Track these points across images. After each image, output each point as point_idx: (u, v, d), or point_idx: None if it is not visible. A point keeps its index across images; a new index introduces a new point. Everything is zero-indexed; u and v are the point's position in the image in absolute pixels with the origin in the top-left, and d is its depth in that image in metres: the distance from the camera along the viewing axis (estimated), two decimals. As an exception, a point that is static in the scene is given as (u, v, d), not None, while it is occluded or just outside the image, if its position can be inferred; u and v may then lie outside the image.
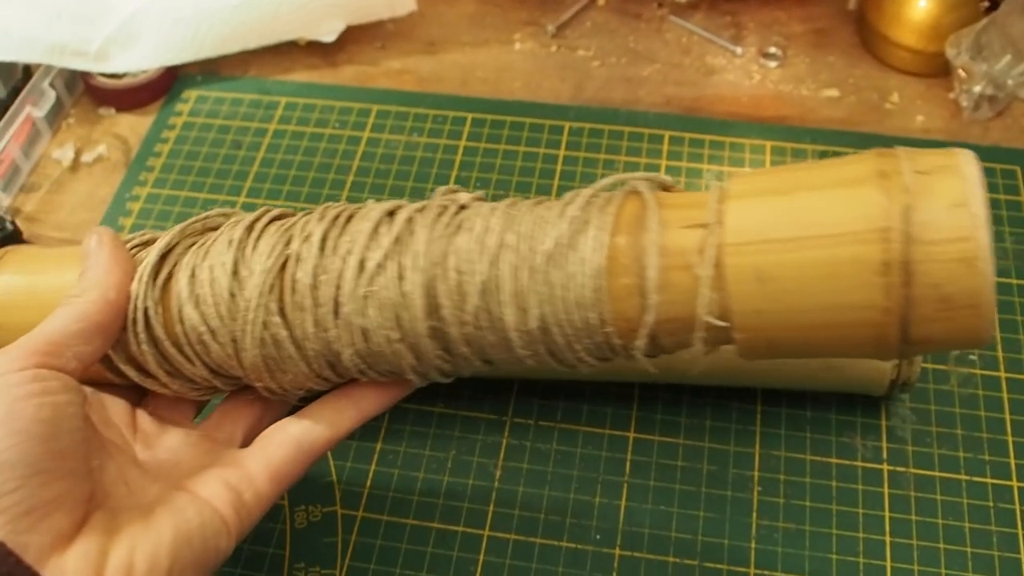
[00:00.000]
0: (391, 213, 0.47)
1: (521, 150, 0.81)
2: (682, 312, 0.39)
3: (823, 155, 0.79)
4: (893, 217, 0.36)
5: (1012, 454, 0.64)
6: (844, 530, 0.61)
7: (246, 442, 0.51)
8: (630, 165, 0.79)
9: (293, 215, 0.50)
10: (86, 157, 0.83)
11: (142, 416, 0.50)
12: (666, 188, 0.46)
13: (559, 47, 0.89)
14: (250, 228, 0.48)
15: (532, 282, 0.42)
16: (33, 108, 0.82)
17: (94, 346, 0.45)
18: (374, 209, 0.47)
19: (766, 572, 0.60)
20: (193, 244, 0.50)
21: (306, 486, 0.63)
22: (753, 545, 0.61)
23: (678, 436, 0.65)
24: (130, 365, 0.49)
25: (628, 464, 0.64)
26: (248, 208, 0.78)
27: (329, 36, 0.87)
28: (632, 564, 0.60)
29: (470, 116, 0.83)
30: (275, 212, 0.50)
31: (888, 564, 0.60)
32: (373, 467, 0.64)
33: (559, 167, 0.79)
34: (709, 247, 0.38)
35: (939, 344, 0.38)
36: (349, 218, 0.47)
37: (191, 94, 0.87)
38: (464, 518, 0.62)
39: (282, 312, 0.45)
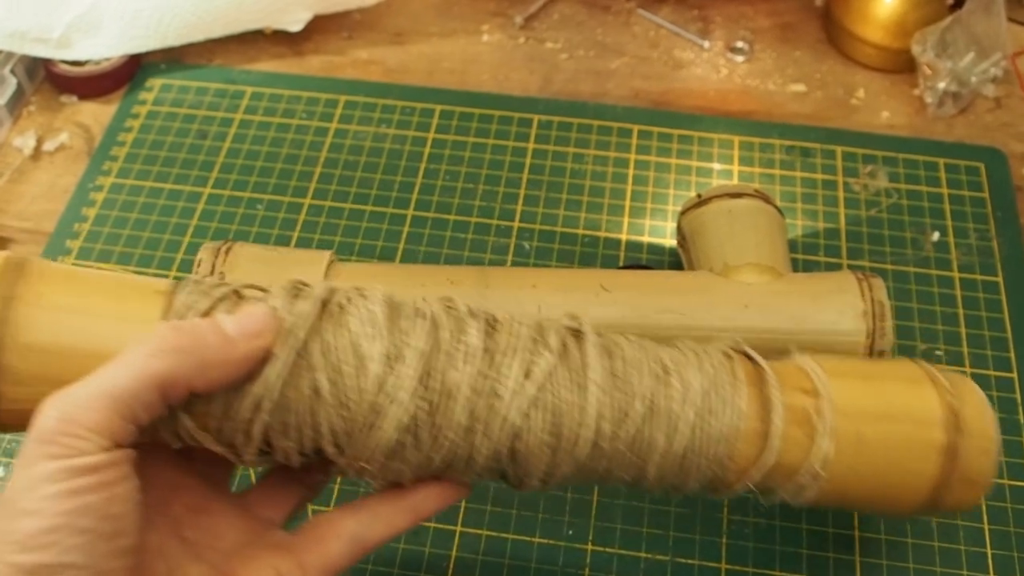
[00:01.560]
0: (541, 327, 0.46)
1: (490, 143, 0.80)
2: (792, 460, 0.46)
3: (790, 150, 0.80)
4: (950, 413, 0.46)
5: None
6: (814, 525, 0.62)
7: (283, 523, 0.47)
8: (599, 159, 0.79)
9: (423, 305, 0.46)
10: (48, 145, 0.82)
11: (183, 467, 0.45)
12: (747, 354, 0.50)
13: (527, 39, 0.89)
14: (394, 307, 0.44)
15: (684, 414, 0.45)
16: (-7, 95, 0.81)
17: (178, 402, 0.40)
18: (524, 319, 0.46)
19: (737, 567, 0.60)
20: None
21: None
22: (724, 540, 0.61)
23: (649, 431, 0.65)
24: (207, 434, 0.43)
25: (599, 459, 0.64)
26: (215, 199, 0.77)
27: (296, 25, 0.86)
28: (604, 560, 0.60)
29: (439, 108, 0.83)
30: (400, 297, 0.46)
31: (857, 559, 0.60)
32: (344, 462, 0.64)
33: (528, 160, 0.79)
34: (827, 410, 0.46)
35: (945, 508, 0.48)
36: (495, 320, 0.46)
37: (155, 82, 0.86)
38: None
39: (429, 399, 0.42)
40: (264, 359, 0.41)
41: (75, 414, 0.36)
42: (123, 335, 0.41)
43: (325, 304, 0.43)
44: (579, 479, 0.46)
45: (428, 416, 0.42)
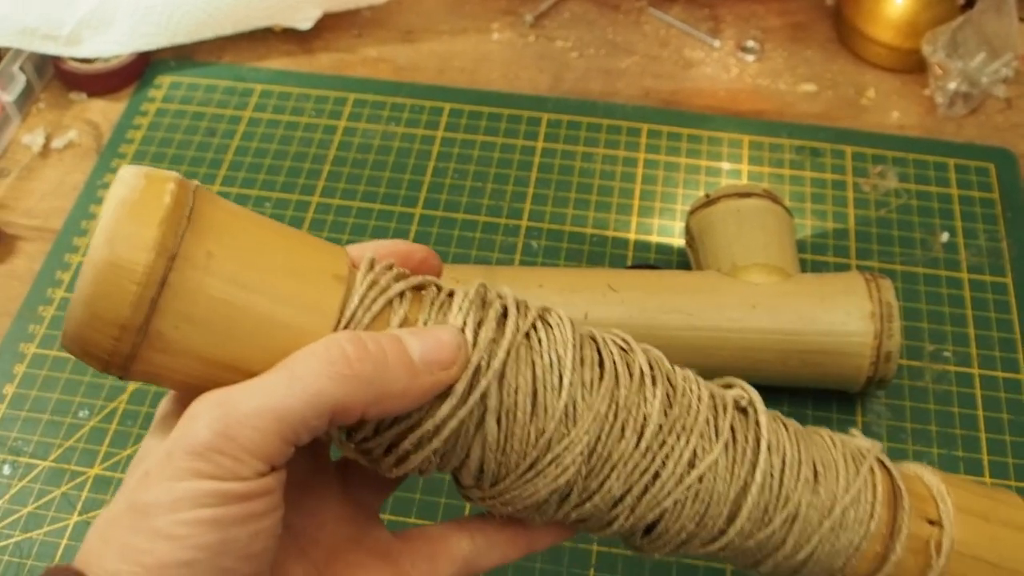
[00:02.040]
0: (716, 406, 0.44)
1: (499, 141, 0.80)
2: None
3: (800, 150, 0.79)
4: None
5: (985, 451, 0.64)
6: (820, 526, 0.61)
7: (379, 505, 0.45)
8: (608, 158, 0.79)
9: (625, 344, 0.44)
10: (57, 143, 0.82)
11: (334, 493, 0.42)
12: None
13: (537, 37, 0.89)
14: (576, 347, 0.41)
15: (820, 526, 0.44)
16: (2, 92, 0.81)
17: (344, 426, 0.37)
18: (701, 391, 0.44)
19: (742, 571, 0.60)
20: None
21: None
22: (730, 541, 0.61)
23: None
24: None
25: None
26: (223, 197, 0.77)
27: (305, 23, 0.86)
28: (609, 560, 0.60)
29: (448, 106, 0.83)
30: (609, 339, 0.43)
31: (863, 560, 0.60)
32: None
33: (537, 159, 0.79)
34: (946, 547, 0.45)
35: None
36: (671, 386, 0.43)
37: (164, 80, 0.86)
38: (441, 513, 0.62)
39: (591, 463, 0.40)
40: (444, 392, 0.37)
41: (236, 431, 0.32)
42: (299, 330, 0.36)
43: (515, 330, 0.39)
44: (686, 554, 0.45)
45: (583, 480, 0.40)
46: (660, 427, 0.41)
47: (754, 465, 0.42)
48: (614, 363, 0.41)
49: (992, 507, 0.47)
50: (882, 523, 0.45)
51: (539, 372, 0.39)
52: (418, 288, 0.40)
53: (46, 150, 0.82)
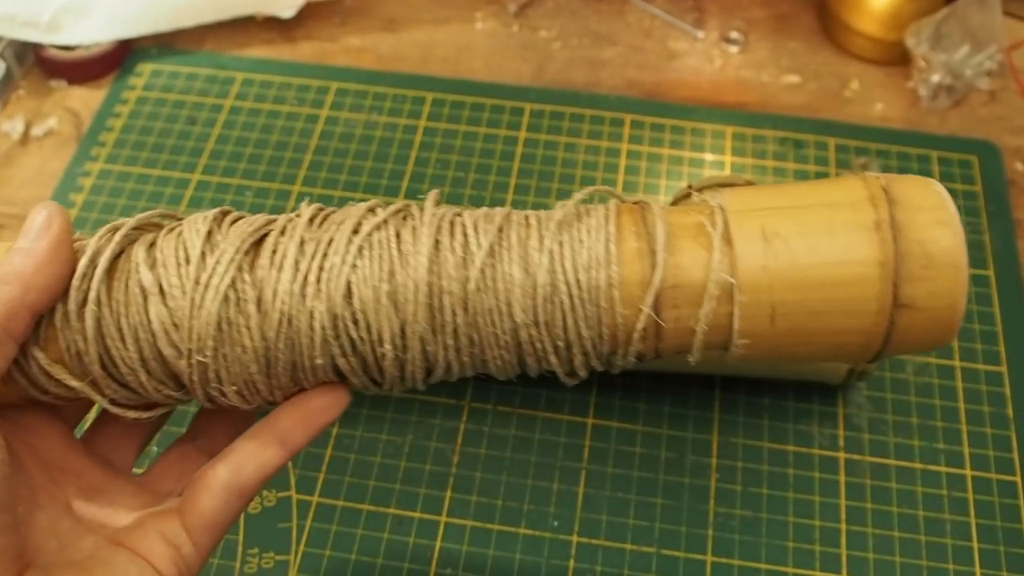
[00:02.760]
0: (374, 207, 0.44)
1: (482, 131, 0.80)
2: (691, 277, 0.40)
3: (783, 142, 0.79)
4: (876, 189, 0.40)
5: (966, 443, 0.64)
6: (800, 518, 0.61)
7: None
8: (591, 148, 0.79)
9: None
10: (36, 130, 0.81)
11: (77, 452, 0.45)
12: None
13: (521, 27, 0.88)
14: (223, 212, 0.44)
15: (541, 246, 0.40)
16: (-19, 79, 0.80)
17: (26, 334, 0.40)
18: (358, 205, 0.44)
19: (723, 560, 0.60)
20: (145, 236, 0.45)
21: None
22: (710, 532, 0.61)
23: (636, 422, 0.65)
24: (60, 366, 0.42)
25: (586, 450, 0.64)
26: (203, 186, 0.77)
27: (287, 11, 0.86)
28: (589, 551, 0.60)
29: (430, 96, 0.82)
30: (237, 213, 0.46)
31: (843, 552, 0.60)
32: (329, 452, 0.64)
33: (520, 149, 0.79)
34: (719, 215, 0.40)
35: (922, 313, 0.39)
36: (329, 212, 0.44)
37: (145, 68, 0.85)
38: (421, 504, 0.62)
39: (253, 274, 0.41)
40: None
41: None
42: None
43: (160, 223, 0.45)
44: (451, 349, 0.42)
45: (253, 288, 0.41)
46: (314, 221, 0.42)
47: (425, 220, 0.42)
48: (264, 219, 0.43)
49: (781, 198, 0.42)
50: (627, 224, 0.41)
51: (186, 230, 0.42)
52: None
53: (26, 138, 0.81)
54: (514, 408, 0.65)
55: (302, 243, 0.41)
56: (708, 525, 0.61)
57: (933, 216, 0.39)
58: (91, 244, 0.42)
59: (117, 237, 0.42)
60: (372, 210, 0.43)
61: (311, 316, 0.41)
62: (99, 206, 0.76)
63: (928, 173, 0.77)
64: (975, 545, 0.60)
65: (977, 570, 0.60)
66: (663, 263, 0.39)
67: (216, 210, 0.44)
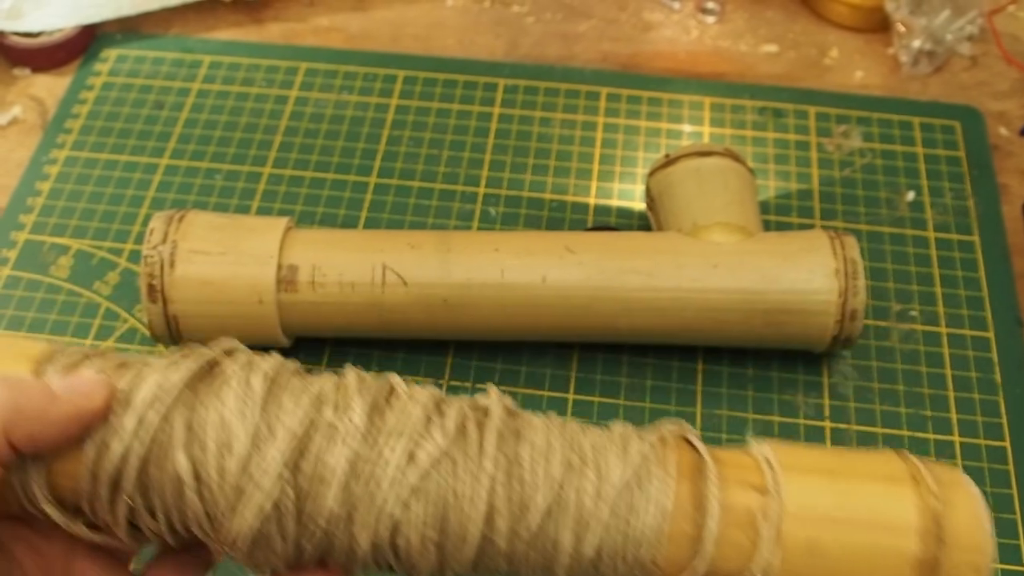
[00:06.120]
0: (439, 405, 0.42)
1: (455, 108, 0.78)
2: (731, 568, 0.40)
3: (762, 111, 0.78)
4: (929, 521, 0.40)
5: (953, 409, 0.63)
6: (787, 489, 0.60)
7: None
8: (567, 123, 0.77)
9: (310, 375, 0.43)
10: (0, 119, 0.79)
11: (80, 561, 0.42)
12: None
13: (492, 2, 0.87)
14: (272, 380, 0.41)
15: (597, 510, 0.40)
16: (-58, 68, 0.78)
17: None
18: (422, 394, 0.42)
19: None
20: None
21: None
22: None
23: (618, 397, 0.64)
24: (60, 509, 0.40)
25: (567, 426, 0.62)
26: (172, 170, 0.75)
27: (254, -8, 0.84)
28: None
29: (401, 74, 0.81)
30: (294, 366, 0.43)
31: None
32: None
33: (494, 125, 0.77)
34: (773, 512, 0.40)
35: None
36: (390, 394, 0.42)
37: (110, 53, 0.83)
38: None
39: (297, 484, 0.39)
40: (108, 429, 0.38)
41: None
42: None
43: (203, 374, 0.40)
44: None
45: (295, 503, 0.39)
46: (370, 431, 0.40)
47: (484, 454, 0.40)
48: (321, 387, 0.41)
49: (840, 462, 0.43)
50: (684, 499, 0.40)
51: (230, 401, 0.39)
52: (123, 363, 0.41)
53: (-11, 127, 0.80)
54: (493, 383, 0.64)
55: (356, 459, 0.39)
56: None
57: (970, 560, 0.39)
58: (128, 424, 0.38)
59: (159, 408, 0.39)
60: (430, 420, 0.41)
61: (353, 541, 0.40)
62: (66, 194, 0.74)
63: (910, 140, 0.76)
64: (966, 512, 0.59)
65: (969, 537, 0.58)
66: (709, 556, 0.40)
67: (269, 371, 0.41)
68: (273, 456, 0.38)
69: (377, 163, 0.75)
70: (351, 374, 0.42)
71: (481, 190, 0.74)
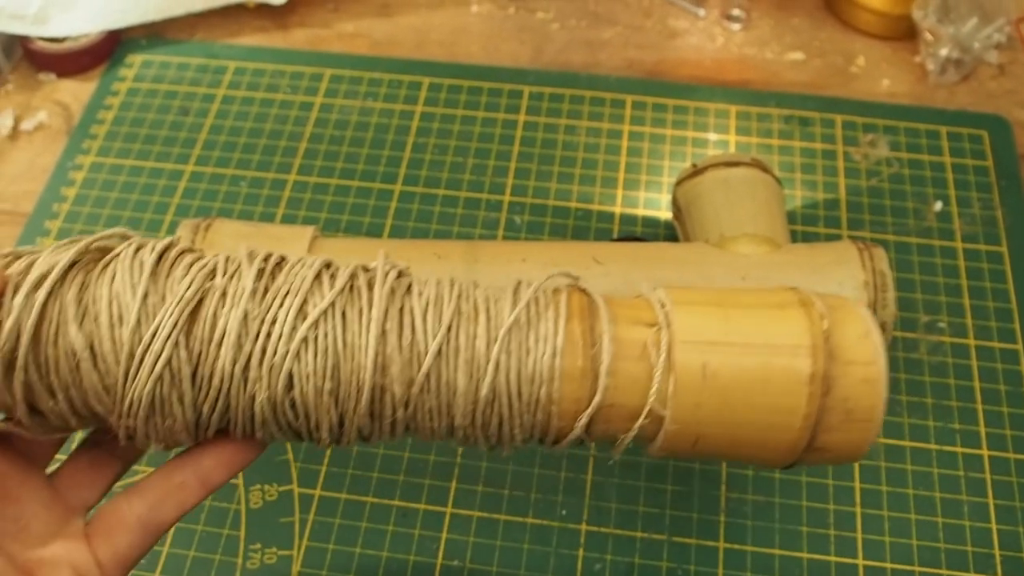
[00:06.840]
0: (329, 266, 0.43)
1: (480, 115, 0.78)
2: (627, 399, 0.41)
3: (788, 120, 0.77)
4: (818, 338, 0.40)
5: (982, 423, 0.63)
6: (814, 502, 0.60)
7: (96, 502, 0.44)
8: (592, 130, 0.77)
9: (202, 253, 0.44)
10: (26, 125, 0.80)
11: None
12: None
13: (517, 9, 0.87)
14: (162, 255, 0.42)
15: (489, 351, 0.41)
16: (-31, 73, 0.79)
17: None
18: (311, 260, 0.43)
19: (736, 546, 0.58)
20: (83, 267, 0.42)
21: (261, 465, 0.61)
22: (722, 518, 0.59)
23: (644, 408, 0.64)
24: None
25: (594, 437, 0.62)
26: (197, 177, 0.75)
27: (279, -2, 0.84)
28: (599, 539, 0.59)
29: (427, 80, 0.81)
30: (184, 245, 0.44)
31: (859, 535, 0.59)
32: (330, 444, 0.62)
33: (519, 133, 0.77)
34: (663, 341, 0.41)
35: (829, 454, 0.42)
36: (280, 263, 0.43)
37: (135, 59, 0.83)
38: (426, 495, 0.60)
39: (190, 346, 0.40)
40: (3, 312, 0.39)
41: None
42: None
43: (96, 257, 0.42)
44: (386, 432, 0.43)
45: (189, 363, 0.40)
46: (260, 291, 0.41)
47: (374, 306, 0.41)
48: (216, 260, 0.42)
49: (731, 295, 0.43)
50: (576, 336, 0.41)
51: (120, 277, 0.40)
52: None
53: (15, 132, 0.80)
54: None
55: (245, 318, 0.40)
56: (720, 511, 0.60)
57: (863, 373, 0.40)
58: (16, 302, 0.39)
59: (47, 285, 0.40)
60: (319, 278, 0.42)
61: (251, 400, 0.40)
62: (91, 200, 0.74)
63: (937, 149, 0.76)
64: (994, 527, 0.59)
65: (996, 552, 0.58)
66: (604, 387, 0.41)
67: (158, 247, 0.42)
68: (164, 321, 0.39)
69: (402, 171, 0.75)
70: (242, 248, 0.43)
71: (507, 198, 0.74)
